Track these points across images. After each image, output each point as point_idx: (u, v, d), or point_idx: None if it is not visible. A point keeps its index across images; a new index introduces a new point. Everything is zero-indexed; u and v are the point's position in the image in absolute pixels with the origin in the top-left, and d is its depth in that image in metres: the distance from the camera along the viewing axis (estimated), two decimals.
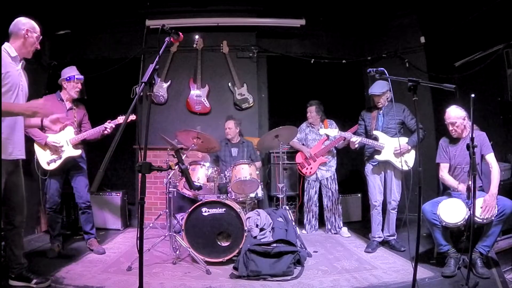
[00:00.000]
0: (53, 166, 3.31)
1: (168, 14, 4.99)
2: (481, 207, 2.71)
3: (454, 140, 3.12)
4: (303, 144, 4.42)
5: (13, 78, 2.36)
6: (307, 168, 4.33)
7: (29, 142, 3.18)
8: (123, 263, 3.16)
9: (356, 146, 3.62)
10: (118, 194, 4.56)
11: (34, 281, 2.57)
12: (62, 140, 3.32)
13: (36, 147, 3.30)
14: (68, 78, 3.43)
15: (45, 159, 3.30)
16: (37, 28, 2.53)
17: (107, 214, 4.51)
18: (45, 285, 2.60)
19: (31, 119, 2.57)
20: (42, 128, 3.02)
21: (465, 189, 2.87)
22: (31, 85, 2.64)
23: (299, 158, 4.41)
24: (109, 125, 3.41)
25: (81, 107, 3.63)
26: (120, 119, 3.46)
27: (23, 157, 2.51)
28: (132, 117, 3.51)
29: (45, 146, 3.28)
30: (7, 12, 2.62)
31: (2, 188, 2.32)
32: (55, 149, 3.29)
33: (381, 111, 3.65)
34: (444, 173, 3.14)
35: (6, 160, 2.34)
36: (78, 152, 3.41)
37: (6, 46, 2.39)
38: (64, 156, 3.33)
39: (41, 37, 2.56)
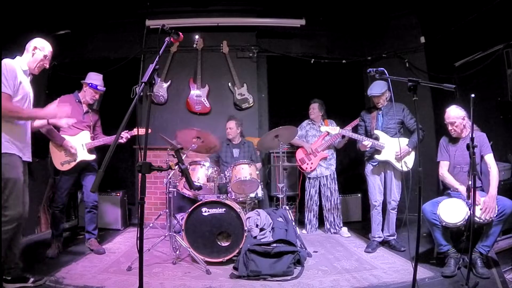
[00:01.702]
0: (66, 167, 3.36)
1: (168, 14, 5.00)
2: (481, 209, 2.70)
3: (453, 140, 3.12)
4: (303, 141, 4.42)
5: (25, 89, 2.56)
6: (307, 164, 4.33)
7: (42, 142, 3.23)
8: (123, 263, 3.16)
9: (368, 148, 3.61)
10: (118, 194, 4.57)
11: (31, 279, 2.58)
12: (78, 144, 3.37)
13: (51, 147, 3.35)
14: (90, 85, 3.47)
15: (59, 160, 3.34)
16: (47, 48, 2.67)
17: (107, 214, 4.51)
18: (42, 282, 2.61)
19: (38, 121, 2.85)
20: (58, 129, 3.25)
21: (465, 190, 2.87)
22: (31, 85, 2.69)
23: (299, 154, 4.40)
24: (124, 135, 3.47)
25: (95, 111, 3.68)
26: (135, 130, 3.52)
27: (30, 160, 2.67)
28: (143, 130, 3.51)
29: (61, 147, 3.33)
30: (8, 12, 2.64)
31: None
32: (70, 153, 3.34)
33: (381, 111, 3.65)
34: (444, 170, 3.14)
35: (24, 161, 2.55)
36: (92, 156, 3.47)
37: (18, 59, 2.58)
38: (79, 159, 3.39)
39: (49, 57, 2.69)
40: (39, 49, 2.62)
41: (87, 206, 3.58)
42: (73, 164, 3.37)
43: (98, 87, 3.47)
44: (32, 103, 2.69)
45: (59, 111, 2.66)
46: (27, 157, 2.61)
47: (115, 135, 3.43)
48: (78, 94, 3.52)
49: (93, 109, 3.62)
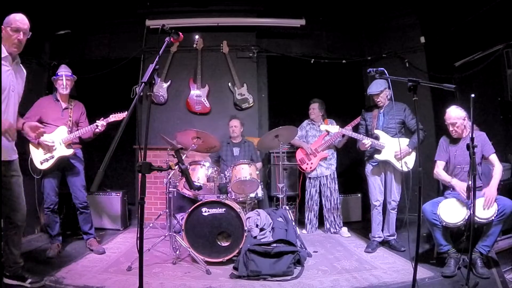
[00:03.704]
0: (46, 165, 3.32)
1: (168, 14, 4.99)
2: (483, 206, 2.72)
3: (454, 140, 3.12)
4: (303, 142, 4.42)
5: (3, 79, 2.35)
6: (307, 164, 4.33)
7: (25, 142, 3.20)
8: (123, 263, 3.16)
9: (366, 147, 3.61)
10: (118, 194, 4.56)
11: (29, 280, 2.57)
12: (55, 140, 3.34)
13: (30, 146, 3.32)
14: (55, 76, 3.48)
15: (38, 158, 3.31)
16: (11, 21, 2.40)
17: (107, 214, 4.50)
18: (40, 285, 2.60)
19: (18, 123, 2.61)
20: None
21: (459, 186, 2.90)
22: (31, 85, 2.63)
23: (299, 154, 4.40)
24: (100, 123, 3.41)
25: (78, 106, 3.61)
26: (112, 117, 3.46)
27: (11, 158, 2.51)
28: (121, 115, 3.45)
29: (38, 145, 3.30)
30: (7, 12, 2.62)
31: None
32: (48, 148, 3.30)
33: (382, 110, 3.65)
34: (439, 169, 3.15)
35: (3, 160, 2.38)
36: (70, 151, 3.40)
37: None
38: (57, 155, 3.34)
39: (20, 27, 2.39)
40: (4, 26, 2.39)
41: (77, 208, 3.56)
42: (52, 162, 3.32)
43: (58, 73, 3.47)
44: (18, 92, 2.51)
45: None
46: (6, 155, 2.41)
47: (90, 126, 3.39)
48: (56, 94, 3.52)
49: (73, 105, 3.56)
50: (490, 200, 2.72)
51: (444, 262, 2.92)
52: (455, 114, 3.00)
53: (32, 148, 3.32)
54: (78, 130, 3.50)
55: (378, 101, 3.62)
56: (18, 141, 2.60)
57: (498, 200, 2.75)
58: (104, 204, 4.49)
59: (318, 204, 4.39)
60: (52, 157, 3.33)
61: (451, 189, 3.10)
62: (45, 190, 3.43)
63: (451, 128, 3.04)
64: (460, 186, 2.93)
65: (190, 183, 2.16)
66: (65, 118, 3.47)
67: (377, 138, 3.58)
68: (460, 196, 2.94)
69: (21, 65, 2.60)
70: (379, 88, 3.55)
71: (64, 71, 3.49)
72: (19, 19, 2.41)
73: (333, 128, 3.82)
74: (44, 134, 3.14)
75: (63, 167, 3.47)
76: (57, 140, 3.35)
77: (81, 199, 3.54)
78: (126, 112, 3.45)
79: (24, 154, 3.24)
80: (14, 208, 2.53)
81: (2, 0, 2.87)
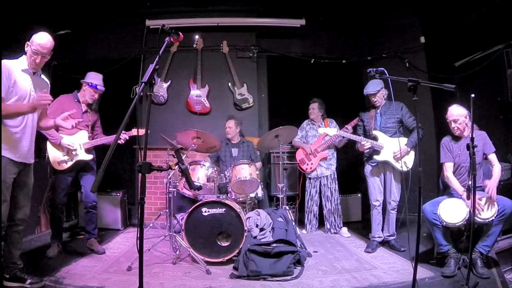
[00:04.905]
0: (63, 166, 3.34)
1: (168, 14, 5.00)
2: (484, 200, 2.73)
3: (456, 139, 3.11)
4: (303, 142, 4.43)
5: (22, 89, 2.47)
6: (307, 164, 4.33)
7: (41, 142, 3.21)
8: (123, 263, 3.16)
9: (365, 149, 3.61)
10: (118, 194, 4.57)
11: (28, 281, 2.57)
12: (75, 143, 3.36)
13: (49, 145, 3.33)
14: (90, 84, 3.46)
15: (56, 159, 3.33)
16: (36, 42, 2.46)
17: (107, 214, 4.51)
18: (39, 286, 2.60)
19: (45, 122, 2.77)
20: (57, 129, 3.18)
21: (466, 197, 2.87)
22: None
23: (299, 155, 4.41)
24: (123, 136, 3.41)
25: (95, 111, 3.66)
26: (134, 131, 3.47)
27: (29, 162, 2.62)
28: (142, 131, 3.44)
29: (59, 146, 3.31)
30: (8, 12, 2.63)
31: (10, 186, 2.45)
32: (68, 151, 3.33)
33: (379, 110, 3.65)
34: (449, 173, 3.09)
35: (16, 161, 2.48)
36: (90, 156, 3.45)
37: (22, 58, 2.51)
38: (76, 159, 3.37)
39: (40, 50, 2.45)
40: (29, 44, 2.47)
41: (86, 206, 3.58)
42: (70, 163, 3.35)
43: (97, 87, 3.46)
44: None
45: (40, 99, 2.46)
46: (24, 158, 2.54)
47: (112, 135, 3.44)
48: (77, 94, 3.51)
49: (92, 109, 3.61)
50: (492, 189, 2.70)
51: (444, 262, 2.91)
52: (457, 111, 3.00)
53: (50, 148, 3.33)
54: (96, 134, 3.54)
55: (375, 101, 3.62)
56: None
57: (498, 200, 2.75)
58: (104, 204, 4.49)
59: (318, 204, 4.39)
60: (71, 160, 3.36)
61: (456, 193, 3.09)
62: (56, 190, 3.44)
63: (453, 125, 3.04)
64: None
65: (190, 183, 2.15)
66: (85, 121, 3.49)
67: (375, 139, 3.58)
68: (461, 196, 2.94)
69: (43, 76, 2.69)
70: (376, 88, 3.56)
71: (100, 85, 3.49)
72: (41, 43, 2.47)
73: (331, 131, 3.83)
74: (65, 136, 3.23)
75: (79, 168, 3.49)
76: (77, 143, 3.37)
77: (91, 199, 3.56)
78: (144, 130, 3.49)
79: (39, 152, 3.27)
80: (18, 206, 2.56)
81: (3, 1, 2.87)
